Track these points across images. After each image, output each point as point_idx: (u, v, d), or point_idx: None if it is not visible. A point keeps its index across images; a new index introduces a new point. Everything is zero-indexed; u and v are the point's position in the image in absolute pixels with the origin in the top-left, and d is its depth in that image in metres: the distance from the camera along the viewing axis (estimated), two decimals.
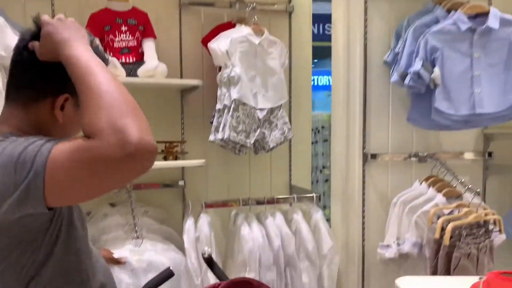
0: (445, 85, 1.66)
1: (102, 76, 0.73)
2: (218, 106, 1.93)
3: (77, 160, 0.68)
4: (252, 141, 1.90)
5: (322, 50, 3.28)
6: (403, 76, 1.74)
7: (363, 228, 2.05)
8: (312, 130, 4.31)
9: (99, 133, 0.67)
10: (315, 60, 5.27)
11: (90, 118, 0.69)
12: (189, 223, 1.88)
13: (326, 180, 4.47)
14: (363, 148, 1.99)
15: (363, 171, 2.01)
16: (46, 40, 0.80)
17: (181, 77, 2.08)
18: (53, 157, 0.69)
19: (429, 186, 1.87)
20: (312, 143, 4.43)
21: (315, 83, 6.52)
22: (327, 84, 6.48)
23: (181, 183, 2.14)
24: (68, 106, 0.86)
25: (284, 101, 1.99)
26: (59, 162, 0.68)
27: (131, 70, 1.88)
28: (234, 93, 1.83)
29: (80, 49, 0.76)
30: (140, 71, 1.85)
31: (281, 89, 1.97)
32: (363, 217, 2.04)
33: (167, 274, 1.37)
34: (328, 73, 5.95)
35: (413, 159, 2.01)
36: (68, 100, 0.85)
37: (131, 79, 1.83)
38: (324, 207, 3.41)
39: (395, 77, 1.79)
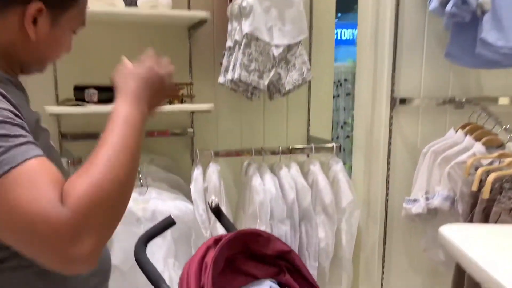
0: (495, 11, 1.40)
1: (119, 156, 0.60)
2: (229, 43, 1.73)
3: (21, 207, 0.52)
4: (266, 83, 1.71)
5: (346, 2, 3.01)
6: (443, 3, 1.47)
7: (388, 181, 1.87)
8: (334, 83, 4.07)
9: (69, 201, 0.53)
10: (339, 15, 4.93)
11: (79, 178, 0.56)
12: (197, 172, 1.74)
13: (347, 137, 4.28)
14: (392, 91, 1.76)
15: (391, 117, 1.79)
16: (125, 76, 0.73)
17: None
18: (5, 183, 0.53)
19: (466, 134, 1.66)
20: (334, 97, 4.21)
21: (338, 37, 6.17)
22: (351, 38, 6.13)
23: (190, 131, 1.99)
24: (43, 21, 0.70)
25: (304, 36, 1.76)
26: (6, 194, 0.53)
27: (131, 1, 1.68)
28: (246, 26, 1.62)
29: (129, 111, 0.66)
30: (140, 0, 1.64)
31: (300, 22, 1.73)
32: (388, 169, 1.85)
33: (168, 223, 1.24)
34: (353, 26, 5.60)
35: (449, 104, 1.78)
36: (42, 12, 0.69)
37: (131, 10, 1.63)
38: (344, 164, 3.24)
39: (434, 3, 1.53)
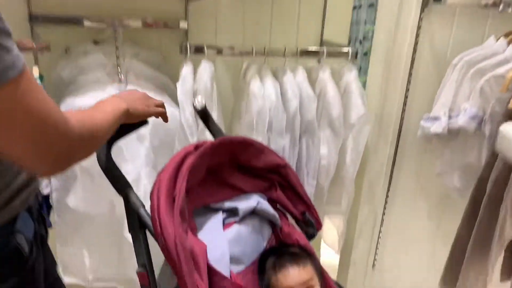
0: None
1: (104, 119, 0.79)
2: None
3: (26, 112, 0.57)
4: None
5: None
6: None
7: (406, 96, 1.62)
8: None
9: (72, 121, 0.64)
10: None
11: (78, 112, 0.71)
12: (186, 70, 1.51)
13: (366, 53, 3.92)
14: None
15: (420, 20, 1.49)
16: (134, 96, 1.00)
17: None
18: (16, 85, 0.55)
19: (509, 43, 1.37)
20: (355, 7, 3.78)
21: None
22: None
23: (183, 24, 1.71)
24: None
25: None
26: (22, 96, 0.55)
27: None
28: None
29: (114, 100, 0.89)
30: None
31: None
32: (409, 81, 1.59)
33: (138, 122, 1.05)
34: None
35: (493, 7, 1.46)
36: None
37: None
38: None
39: None
